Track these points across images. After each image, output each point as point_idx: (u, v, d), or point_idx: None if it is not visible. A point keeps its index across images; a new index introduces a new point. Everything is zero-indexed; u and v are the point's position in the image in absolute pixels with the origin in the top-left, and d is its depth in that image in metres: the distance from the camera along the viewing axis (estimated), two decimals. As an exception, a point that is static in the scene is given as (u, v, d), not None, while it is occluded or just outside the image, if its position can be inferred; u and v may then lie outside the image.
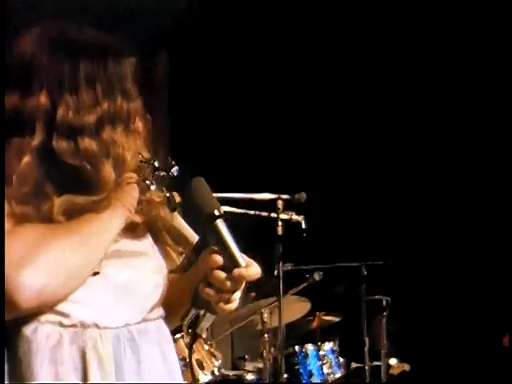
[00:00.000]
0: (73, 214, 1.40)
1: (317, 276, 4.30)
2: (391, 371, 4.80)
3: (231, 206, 3.65)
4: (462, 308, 5.37)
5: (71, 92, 1.41)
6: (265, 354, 4.37)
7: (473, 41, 5.20)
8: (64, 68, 1.41)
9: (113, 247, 1.44)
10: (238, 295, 1.43)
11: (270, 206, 3.97)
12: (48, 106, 1.40)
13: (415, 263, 5.45)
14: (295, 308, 4.67)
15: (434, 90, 5.49)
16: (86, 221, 1.40)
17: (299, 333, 5.08)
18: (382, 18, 5.28)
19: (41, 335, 1.35)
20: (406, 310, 5.15)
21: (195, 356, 3.97)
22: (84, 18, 1.50)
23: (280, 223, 3.93)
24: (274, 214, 3.95)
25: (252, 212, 3.91)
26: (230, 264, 1.37)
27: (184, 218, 1.57)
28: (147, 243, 1.54)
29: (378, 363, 4.65)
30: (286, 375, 4.27)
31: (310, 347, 4.69)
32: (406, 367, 4.88)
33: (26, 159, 1.38)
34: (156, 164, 1.47)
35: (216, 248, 1.38)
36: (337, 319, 5.09)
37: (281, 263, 3.95)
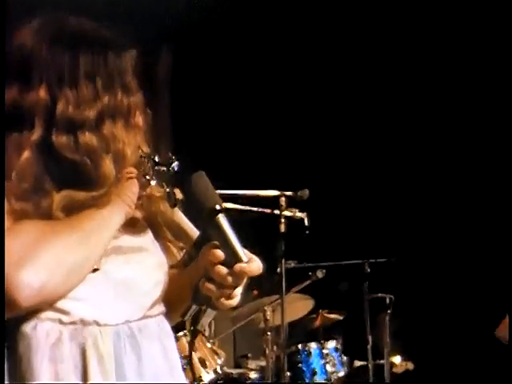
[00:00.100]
0: (72, 210, 1.39)
1: (320, 274, 4.29)
2: (395, 370, 4.79)
3: (234, 202, 3.64)
4: (466, 306, 5.36)
5: (71, 86, 1.39)
6: (267, 353, 4.36)
7: (473, 41, 5.20)
8: (64, 61, 1.40)
9: (113, 243, 1.43)
10: (239, 291, 1.42)
11: (273, 202, 3.96)
12: (47, 100, 1.39)
13: (419, 260, 5.45)
14: (298, 306, 4.67)
15: (434, 88, 5.49)
16: (86, 217, 1.39)
17: (302, 331, 5.08)
18: (382, 18, 5.27)
19: (40, 332, 1.34)
20: (409, 307, 5.13)
21: (198, 354, 3.96)
22: (85, 12, 1.48)
23: (283, 220, 3.92)
24: (276, 211, 3.94)
25: (255, 209, 3.90)
26: (232, 259, 1.35)
27: (185, 212, 1.55)
28: (147, 239, 1.53)
29: (381, 361, 4.64)
30: (288, 374, 4.27)
31: (313, 345, 4.68)
32: (410, 366, 4.88)
33: (26, 155, 1.37)
34: (156, 159, 1.46)
35: (217, 243, 1.37)
36: (340, 317, 5.08)
37: (283, 261, 3.94)
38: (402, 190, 5.59)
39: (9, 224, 1.32)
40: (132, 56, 1.46)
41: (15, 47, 1.43)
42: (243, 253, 1.36)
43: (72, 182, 1.40)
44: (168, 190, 1.44)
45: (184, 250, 1.55)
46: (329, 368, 4.66)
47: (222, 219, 1.36)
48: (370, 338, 4.60)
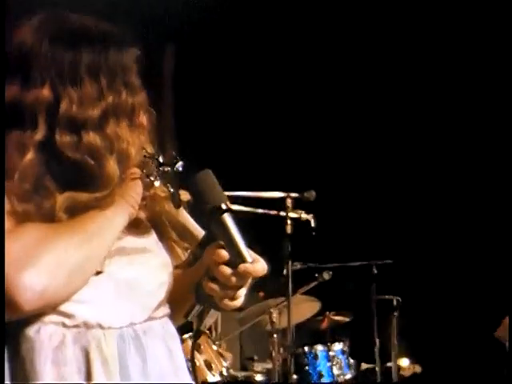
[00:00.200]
0: (76, 211, 1.37)
1: (326, 275, 4.28)
2: (402, 372, 4.78)
3: (240, 204, 3.63)
4: (473, 308, 5.34)
5: (74, 84, 1.37)
6: (274, 355, 4.36)
7: (473, 41, 5.19)
8: (65, 58, 1.38)
9: (117, 244, 1.41)
10: (243, 292, 1.40)
11: (279, 204, 3.95)
12: (51, 98, 1.36)
13: (426, 262, 5.43)
14: (304, 308, 4.66)
15: (442, 93, 5.48)
16: (89, 218, 1.37)
17: (309, 333, 5.07)
18: (382, 19, 5.26)
19: (44, 335, 1.33)
20: (417, 309, 5.12)
21: (203, 357, 3.95)
22: (85, 12, 1.46)
23: (289, 222, 3.93)
24: (283, 213, 3.93)
25: (261, 210, 3.89)
26: (236, 259, 1.33)
27: (190, 212, 1.53)
28: (151, 240, 1.51)
29: (388, 364, 4.63)
30: (295, 376, 4.26)
31: (319, 348, 4.67)
32: (417, 368, 4.87)
33: (29, 155, 1.35)
34: (160, 159, 1.44)
35: (222, 243, 1.35)
36: (347, 319, 5.07)
37: (290, 262, 3.94)
38: (409, 191, 5.59)
39: (10, 226, 1.31)
40: (134, 53, 1.44)
41: (15, 45, 1.41)
42: (248, 253, 1.34)
43: (75, 183, 1.38)
44: (172, 190, 1.42)
45: (189, 251, 1.52)
46: (335, 371, 4.64)
47: (228, 218, 1.34)
48: (377, 341, 4.59)
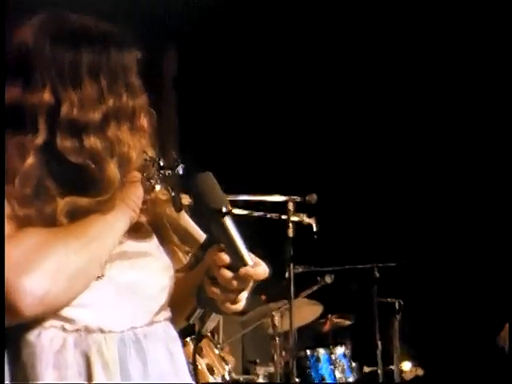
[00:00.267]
0: (77, 215, 1.36)
1: (328, 278, 4.28)
2: (404, 376, 4.77)
3: (242, 207, 3.63)
4: (475, 311, 5.33)
5: (75, 86, 1.36)
6: (276, 358, 4.36)
7: (473, 41, 5.18)
8: (65, 59, 1.37)
9: (118, 248, 1.40)
10: (244, 295, 1.39)
11: (281, 207, 3.95)
12: (52, 102, 1.36)
13: (428, 265, 5.42)
14: (306, 311, 4.65)
15: (447, 95, 5.48)
16: (90, 223, 1.36)
17: (311, 336, 5.06)
18: (382, 19, 5.26)
19: (44, 340, 1.32)
20: (419, 312, 5.11)
21: (205, 360, 3.94)
22: (85, 13, 1.46)
23: (291, 225, 3.92)
24: (284, 216, 3.93)
25: (263, 214, 3.89)
26: (237, 263, 1.32)
27: (191, 215, 1.52)
28: (152, 243, 1.50)
29: (391, 367, 4.62)
30: (297, 380, 4.24)
31: (321, 351, 4.66)
32: (420, 371, 4.86)
33: (30, 160, 1.34)
34: (161, 163, 1.44)
35: (223, 246, 1.34)
36: (349, 322, 5.06)
37: (292, 265, 3.93)
38: (410, 194, 5.58)
39: (11, 230, 1.30)
40: (136, 55, 1.44)
41: (16, 45, 1.40)
42: (249, 256, 1.33)
43: (76, 187, 1.37)
44: (173, 194, 1.42)
45: (190, 254, 1.52)
46: (338, 374, 4.64)
47: (228, 221, 1.33)
48: (379, 344, 4.58)
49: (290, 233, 3.92)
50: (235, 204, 3.44)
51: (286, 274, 3.95)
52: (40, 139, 1.35)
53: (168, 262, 1.50)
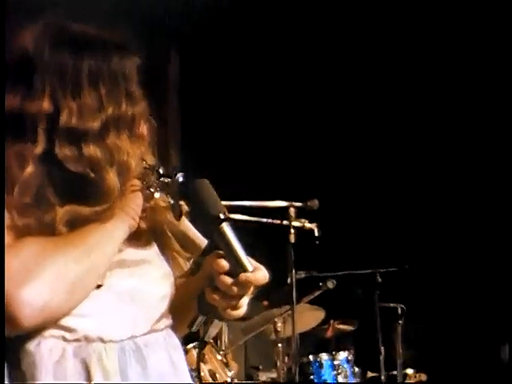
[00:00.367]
0: (76, 224, 1.36)
1: (330, 284, 4.27)
2: (408, 381, 4.76)
3: (244, 213, 3.63)
4: (479, 315, 5.32)
5: (74, 95, 1.36)
6: (279, 364, 4.35)
7: (473, 41, 5.18)
8: (65, 66, 1.37)
9: (117, 257, 1.40)
10: (245, 301, 1.38)
11: (283, 213, 3.94)
12: (51, 110, 1.36)
13: (430, 270, 5.42)
14: (309, 317, 4.65)
15: (449, 99, 5.48)
16: (89, 231, 1.36)
17: (313, 342, 5.05)
18: (382, 19, 5.26)
19: (44, 349, 1.32)
20: (422, 317, 5.10)
21: (208, 367, 3.93)
22: (85, 15, 1.46)
23: (292, 231, 3.92)
24: (286, 222, 3.92)
25: (264, 220, 3.89)
26: (237, 268, 1.32)
27: (191, 221, 1.52)
28: (152, 251, 1.50)
29: (394, 373, 4.61)
30: (300, 385, 4.23)
31: (324, 357, 4.65)
32: (423, 377, 4.84)
33: (29, 169, 1.34)
34: (160, 170, 1.43)
35: (222, 252, 1.34)
36: (351, 328, 5.05)
37: (294, 271, 3.93)
38: (412, 199, 5.57)
39: (10, 240, 1.30)
40: (136, 62, 1.43)
41: (16, 51, 1.40)
42: (248, 262, 1.32)
43: (76, 196, 1.37)
44: (173, 202, 1.41)
45: (191, 260, 1.51)
46: (341, 379, 4.63)
47: (226, 228, 1.32)
48: (382, 349, 4.57)
49: (292, 238, 3.92)
50: (238, 210, 3.44)
51: (288, 280, 3.94)
52: (39, 148, 1.35)
53: (168, 269, 1.50)
